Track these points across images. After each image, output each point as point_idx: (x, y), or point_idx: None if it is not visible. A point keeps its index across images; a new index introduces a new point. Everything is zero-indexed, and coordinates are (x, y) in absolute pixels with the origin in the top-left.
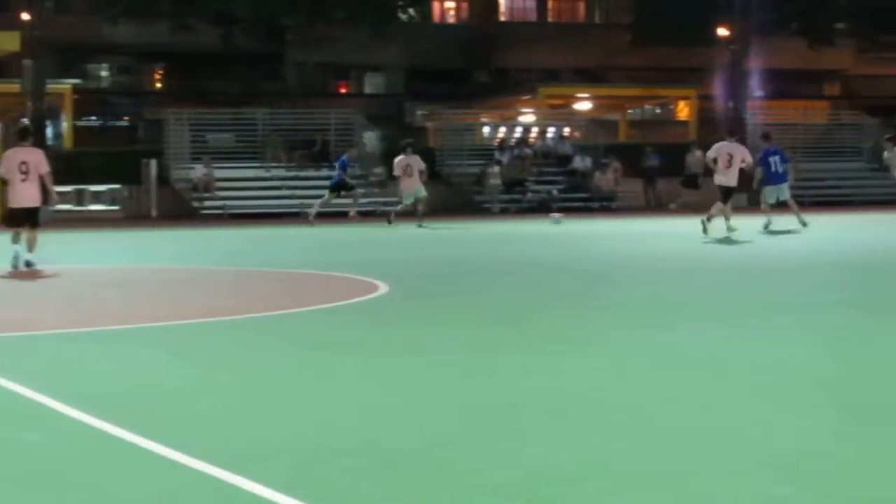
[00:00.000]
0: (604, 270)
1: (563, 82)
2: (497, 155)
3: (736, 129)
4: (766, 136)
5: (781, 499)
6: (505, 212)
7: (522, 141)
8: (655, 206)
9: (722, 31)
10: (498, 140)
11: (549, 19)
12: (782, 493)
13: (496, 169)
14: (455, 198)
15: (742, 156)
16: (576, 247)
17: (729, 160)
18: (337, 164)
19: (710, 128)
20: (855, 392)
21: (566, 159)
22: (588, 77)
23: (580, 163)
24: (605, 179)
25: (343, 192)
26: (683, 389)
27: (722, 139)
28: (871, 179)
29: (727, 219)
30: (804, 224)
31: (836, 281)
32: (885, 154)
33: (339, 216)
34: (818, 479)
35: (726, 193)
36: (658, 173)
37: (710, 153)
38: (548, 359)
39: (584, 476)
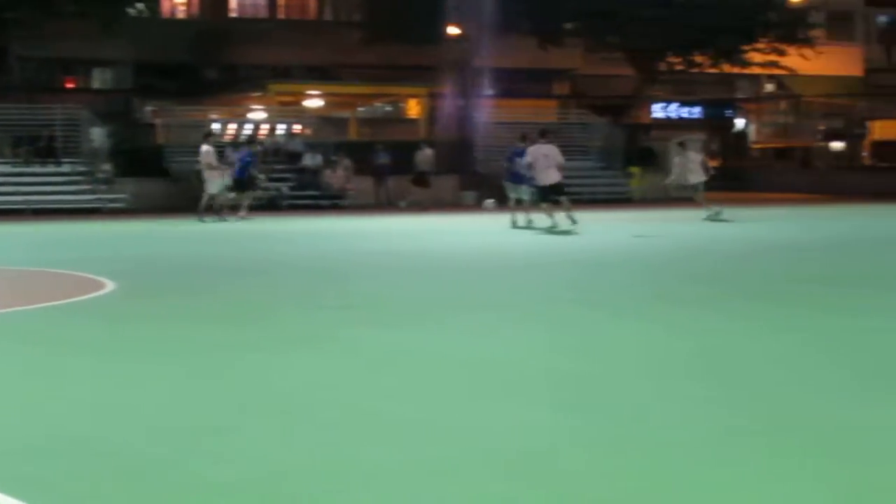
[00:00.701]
0: (335, 268)
1: (294, 79)
2: (227, 152)
3: (547, 131)
4: (524, 138)
5: (505, 497)
6: (234, 209)
7: (252, 138)
8: (386, 203)
9: (453, 30)
10: (228, 137)
11: (280, 16)
12: (506, 491)
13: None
14: (183, 195)
15: (555, 154)
16: (307, 245)
17: (545, 160)
18: (239, 162)
19: (440, 126)
20: (585, 390)
21: (296, 157)
22: (319, 74)
23: (310, 160)
24: (336, 177)
25: (240, 189)
26: (411, 387)
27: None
28: (599, 178)
29: (550, 216)
30: (521, 223)
31: (568, 279)
32: (676, 158)
33: (75, 212)
34: (546, 478)
35: (551, 191)
36: (388, 171)
37: (527, 159)
38: (278, 358)
39: (310, 474)
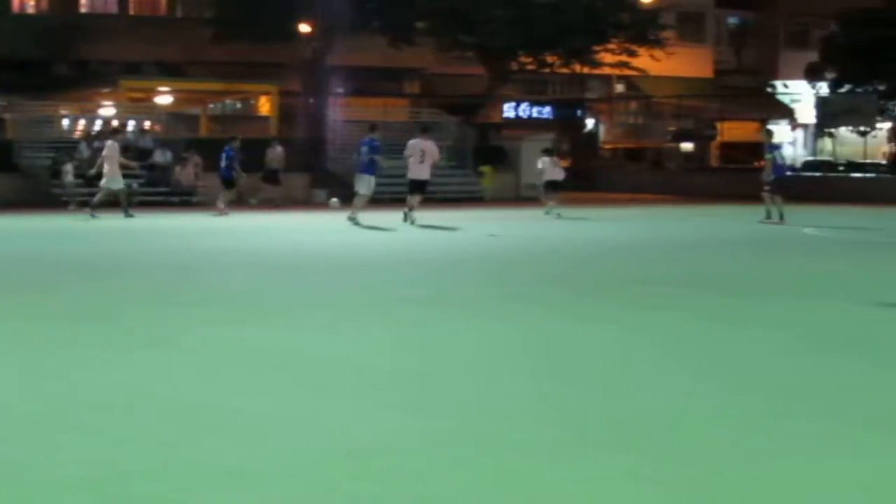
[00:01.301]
0: (185, 266)
1: (145, 76)
2: (80, 147)
3: (429, 127)
4: (372, 128)
5: (354, 493)
6: (84, 205)
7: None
8: (237, 200)
9: (304, 28)
10: (79, 133)
11: (131, 12)
12: (355, 488)
13: (68, 166)
14: (33, 190)
15: (432, 152)
16: (158, 242)
17: (421, 156)
18: (224, 157)
19: (291, 123)
20: (430, 389)
21: (147, 153)
22: (169, 71)
23: (160, 157)
24: (186, 174)
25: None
26: (261, 385)
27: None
28: (450, 177)
29: (411, 210)
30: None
31: (418, 277)
32: (539, 164)
33: None
34: (393, 475)
35: (418, 187)
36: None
37: (406, 151)
38: (127, 356)
39: (159, 472)
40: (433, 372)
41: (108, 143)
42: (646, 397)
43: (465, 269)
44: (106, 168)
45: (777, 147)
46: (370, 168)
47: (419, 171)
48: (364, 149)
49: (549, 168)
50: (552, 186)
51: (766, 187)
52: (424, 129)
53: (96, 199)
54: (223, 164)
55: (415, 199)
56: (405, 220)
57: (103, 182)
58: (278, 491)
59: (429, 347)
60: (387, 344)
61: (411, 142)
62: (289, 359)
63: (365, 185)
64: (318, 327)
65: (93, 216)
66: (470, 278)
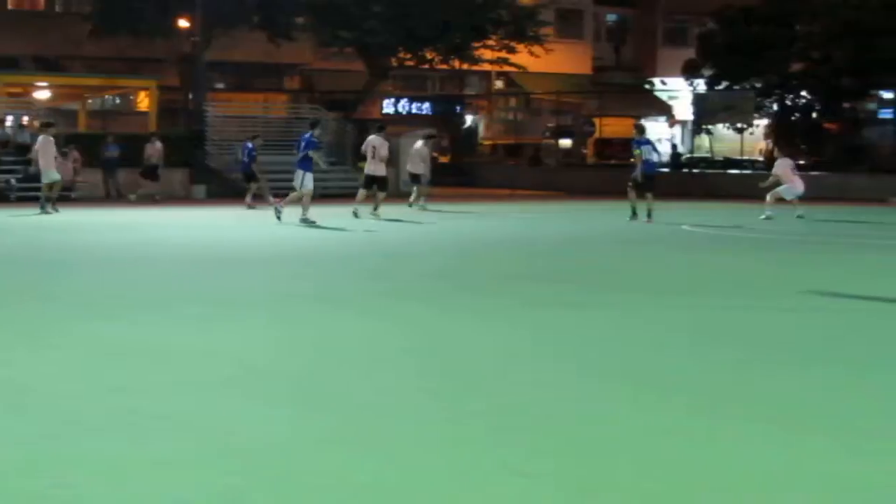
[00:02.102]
0: (62, 260)
1: (23, 70)
2: None
3: (384, 125)
4: (313, 124)
5: (234, 489)
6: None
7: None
8: (116, 196)
9: (183, 23)
10: None
11: (9, 6)
12: (236, 483)
13: None
14: None
15: (382, 148)
16: (34, 237)
17: (374, 152)
18: (243, 153)
19: (170, 119)
20: (309, 385)
21: (25, 148)
22: (48, 66)
23: None
24: (65, 169)
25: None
26: (134, 380)
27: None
28: (329, 173)
29: (360, 207)
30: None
31: (300, 273)
32: (419, 143)
33: None
34: (274, 470)
35: (370, 182)
36: (118, 164)
37: (364, 147)
38: (4, 353)
39: (37, 469)
40: (312, 367)
41: (41, 137)
42: (525, 392)
43: (347, 264)
44: (41, 162)
45: (645, 142)
46: (305, 164)
47: (370, 166)
48: (301, 144)
49: (413, 157)
50: (415, 179)
51: (629, 184)
52: (380, 128)
53: (51, 194)
54: (244, 160)
55: (363, 193)
56: (372, 214)
57: (43, 178)
58: (157, 487)
59: (308, 342)
60: (268, 340)
61: (368, 138)
62: (157, 352)
63: (298, 180)
64: (197, 323)
65: (54, 210)
66: (352, 274)
